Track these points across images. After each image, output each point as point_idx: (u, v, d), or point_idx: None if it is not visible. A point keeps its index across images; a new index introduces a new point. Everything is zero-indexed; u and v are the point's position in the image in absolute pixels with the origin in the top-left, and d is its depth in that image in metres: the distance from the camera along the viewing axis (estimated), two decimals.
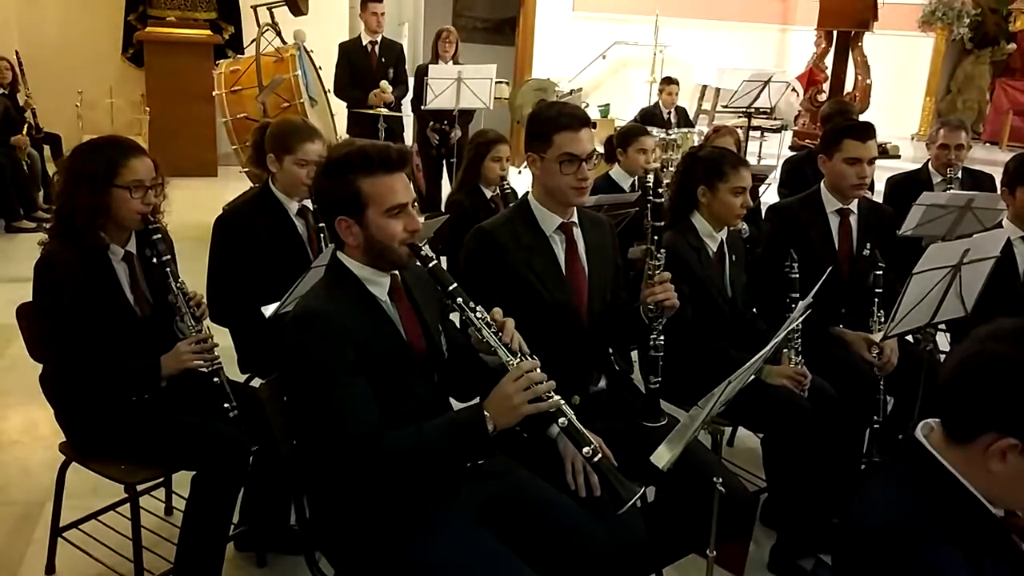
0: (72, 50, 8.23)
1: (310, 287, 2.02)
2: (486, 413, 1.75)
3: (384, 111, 6.33)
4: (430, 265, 1.86)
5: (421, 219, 2.47)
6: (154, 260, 2.37)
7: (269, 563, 2.68)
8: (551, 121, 2.25)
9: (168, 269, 2.36)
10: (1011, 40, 10.00)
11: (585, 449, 1.74)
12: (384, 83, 6.36)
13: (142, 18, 8.25)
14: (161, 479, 2.74)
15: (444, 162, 6.80)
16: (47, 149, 6.71)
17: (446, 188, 6.58)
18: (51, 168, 6.51)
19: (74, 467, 2.41)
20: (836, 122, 3.79)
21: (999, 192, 3.33)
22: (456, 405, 2.03)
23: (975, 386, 1.31)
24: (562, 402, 1.77)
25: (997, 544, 1.38)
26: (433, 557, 1.80)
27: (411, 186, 1.91)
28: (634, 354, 3.53)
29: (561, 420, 1.75)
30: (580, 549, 1.91)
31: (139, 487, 2.36)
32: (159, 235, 2.35)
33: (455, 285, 1.85)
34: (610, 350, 2.54)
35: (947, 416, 1.38)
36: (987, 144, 9.70)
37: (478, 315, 1.82)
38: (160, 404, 2.35)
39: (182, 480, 2.47)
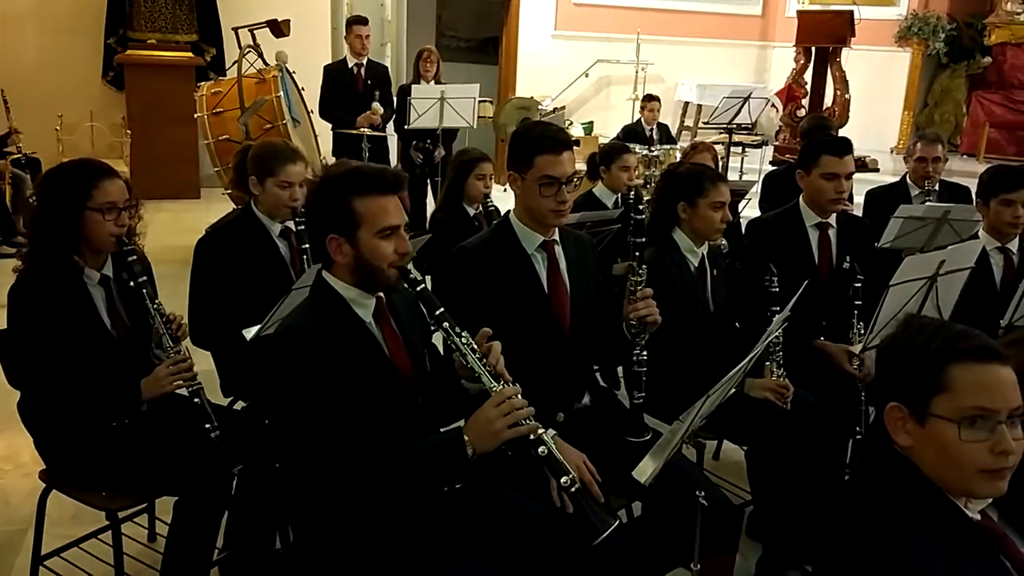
0: (52, 74, 8.19)
1: (294, 307, 2.01)
2: (466, 437, 1.75)
3: (368, 131, 6.35)
4: (418, 289, 1.86)
5: None
6: (130, 283, 2.35)
7: None
8: (533, 143, 2.27)
9: (144, 291, 2.34)
10: (986, 54, 10.16)
11: (563, 479, 1.75)
12: (376, 105, 6.39)
13: (122, 41, 8.21)
14: (143, 505, 2.72)
15: (428, 181, 6.82)
16: (28, 174, 6.67)
17: (431, 207, 6.59)
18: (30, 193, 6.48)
19: (56, 494, 2.38)
20: (814, 137, 3.84)
21: (975, 204, 3.37)
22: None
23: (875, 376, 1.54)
24: (541, 429, 1.77)
25: (973, 546, 1.40)
26: None
27: (402, 208, 1.91)
28: (619, 370, 3.54)
29: (540, 449, 1.75)
30: (567, 567, 1.90)
31: (121, 514, 2.33)
32: (134, 257, 2.34)
33: (442, 310, 1.85)
34: (595, 367, 2.54)
35: (877, 415, 1.51)
36: (964, 156, 9.82)
37: (464, 340, 1.83)
38: (140, 429, 2.33)
39: (165, 506, 2.45)
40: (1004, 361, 1.39)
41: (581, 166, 3.93)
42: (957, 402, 1.36)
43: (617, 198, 4.34)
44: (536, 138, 2.27)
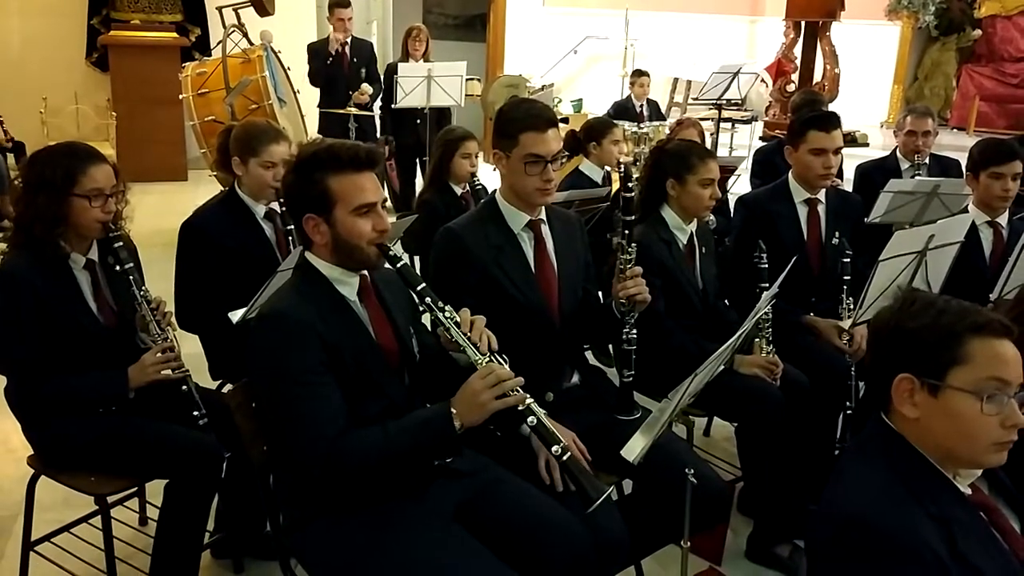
0: (35, 55, 8.10)
1: (278, 288, 2.00)
2: (453, 410, 1.75)
3: (355, 111, 6.30)
4: (399, 265, 1.86)
5: (392, 218, 2.46)
6: (116, 268, 2.33)
7: (246, 569, 2.65)
8: (517, 121, 2.25)
9: (131, 277, 2.32)
10: (976, 27, 10.15)
11: (554, 448, 1.75)
12: (364, 85, 6.35)
13: (105, 21, 8.11)
14: (134, 489, 2.71)
15: (417, 161, 6.79)
16: (11, 157, 6.59)
17: (420, 187, 6.56)
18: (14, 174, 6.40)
19: (46, 479, 2.37)
20: (803, 113, 3.82)
21: (964, 177, 3.37)
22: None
23: (872, 349, 1.53)
24: (529, 399, 1.77)
25: (967, 519, 1.41)
26: (409, 559, 1.78)
27: (379, 185, 1.90)
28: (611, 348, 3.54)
29: (530, 419, 1.76)
30: (558, 545, 1.90)
31: (111, 498, 2.33)
32: (121, 242, 2.32)
33: (424, 285, 1.85)
34: (586, 346, 2.53)
35: (869, 387, 1.54)
36: (954, 130, 9.84)
37: (447, 314, 1.83)
38: (128, 413, 2.32)
39: (156, 489, 2.44)
40: (1012, 337, 1.41)
41: None
42: (976, 374, 1.38)
43: (604, 173, 4.33)
44: (521, 116, 2.25)
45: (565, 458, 1.74)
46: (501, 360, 1.82)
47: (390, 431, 1.78)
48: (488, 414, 1.75)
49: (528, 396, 1.77)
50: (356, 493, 1.81)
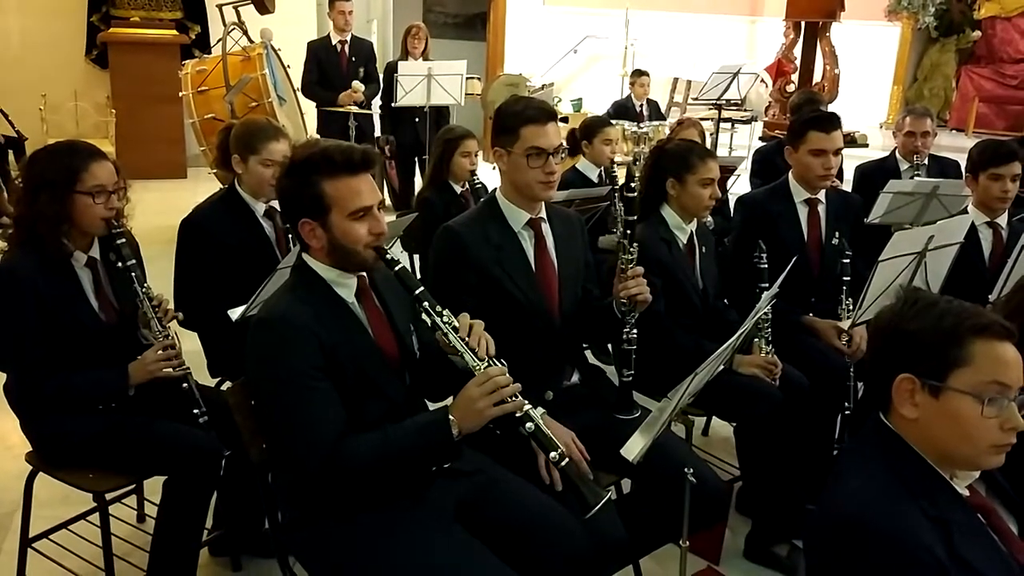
0: (34, 52, 8.09)
1: (275, 289, 1.99)
2: (451, 417, 1.74)
3: (354, 109, 6.30)
4: (396, 269, 1.84)
5: (391, 218, 2.45)
6: (119, 265, 2.33)
7: (244, 567, 2.65)
8: (518, 115, 2.25)
9: (133, 274, 2.32)
10: (976, 28, 10.16)
11: (552, 454, 1.74)
12: (356, 83, 6.35)
13: (105, 19, 8.10)
14: (132, 487, 2.71)
15: (416, 160, 6.79)
16: (11, 153, 6.58)
17: (419, 186, 6.56)
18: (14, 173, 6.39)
19: (44, 476, 2.37)
20: (803, 113, 3.82)
21: (964, 179, 3.37)
22: (431, 406, 2.02)
23: (873, 349, 1.53)
24: (527, 406, 1.76)
25: (964, 520, 1.41)
26: (409, 558, 1.78)
27: (376, 188, 1.89)
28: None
29: (528, 425, 1.75)
30: (557, 545, 1.90)
31: (110, 495, 2.33)
32: (123, 240, 2.32)
33: (421, 289, 1.84)
34: (585, 346, 2.53)
35: (868, 388, 1.53)
36: (953, 131, 9.84)
37: (444, 319, 1.81)
38: (128, 410, 2.32)
39: (154, 487, 2.44)
40: (1013, 340, 1.41)
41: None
42: (978, 376, 1.38)
43: (601, 171, 4.33)
44: (521, 110, 2.25)
45: (562, 464, 1.74)
46: (500, 365, 1.81)
47: (389, 436, 1.77)
48: (486, 421, 1.74)
49: (526, 402, 1.76)
50: (355, 495, 1.81)
